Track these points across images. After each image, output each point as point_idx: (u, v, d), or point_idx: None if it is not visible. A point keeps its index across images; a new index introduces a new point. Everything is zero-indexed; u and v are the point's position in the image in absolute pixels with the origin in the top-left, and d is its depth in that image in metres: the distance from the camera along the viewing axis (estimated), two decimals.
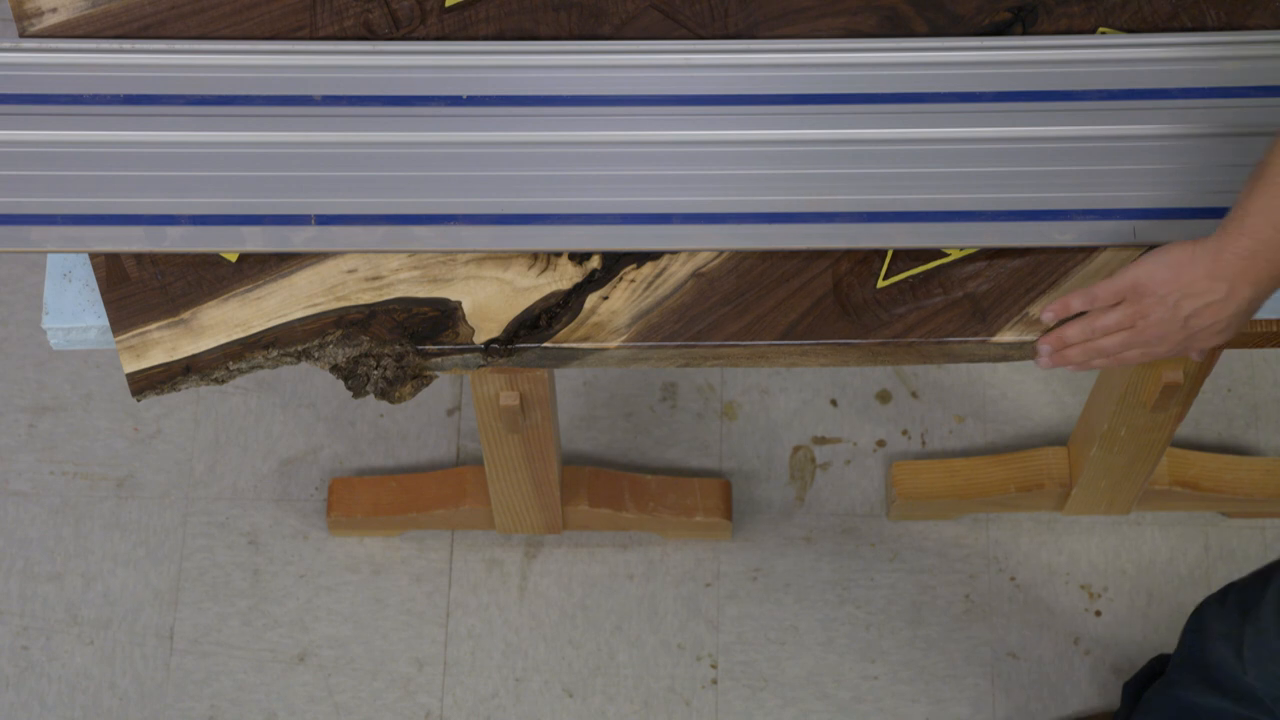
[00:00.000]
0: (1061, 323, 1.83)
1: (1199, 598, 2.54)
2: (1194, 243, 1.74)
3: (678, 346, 1.88)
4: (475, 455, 2.65)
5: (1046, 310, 1.82)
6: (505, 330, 1.87)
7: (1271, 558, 2.47)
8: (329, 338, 1.88)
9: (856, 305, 1.88)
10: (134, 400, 2.10)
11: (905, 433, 2.66)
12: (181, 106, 1.92)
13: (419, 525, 2.59)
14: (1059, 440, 2.63)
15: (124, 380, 2.52)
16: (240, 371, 1.88)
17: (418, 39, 1.96)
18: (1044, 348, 1.83)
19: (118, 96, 1.92)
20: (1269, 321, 1.95)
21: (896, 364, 1.92)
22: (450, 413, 2.68)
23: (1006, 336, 1.87)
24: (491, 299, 1.89)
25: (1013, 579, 2.59)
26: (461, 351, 1.88)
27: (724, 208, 1.89)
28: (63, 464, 2.66)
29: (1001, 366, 2.68)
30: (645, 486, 2.58)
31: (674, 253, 1.90)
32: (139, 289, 1.89)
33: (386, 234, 1.89)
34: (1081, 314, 1.82)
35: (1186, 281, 1.74)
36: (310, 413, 2.68)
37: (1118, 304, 1.78)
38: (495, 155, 1.91)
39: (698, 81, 1.93)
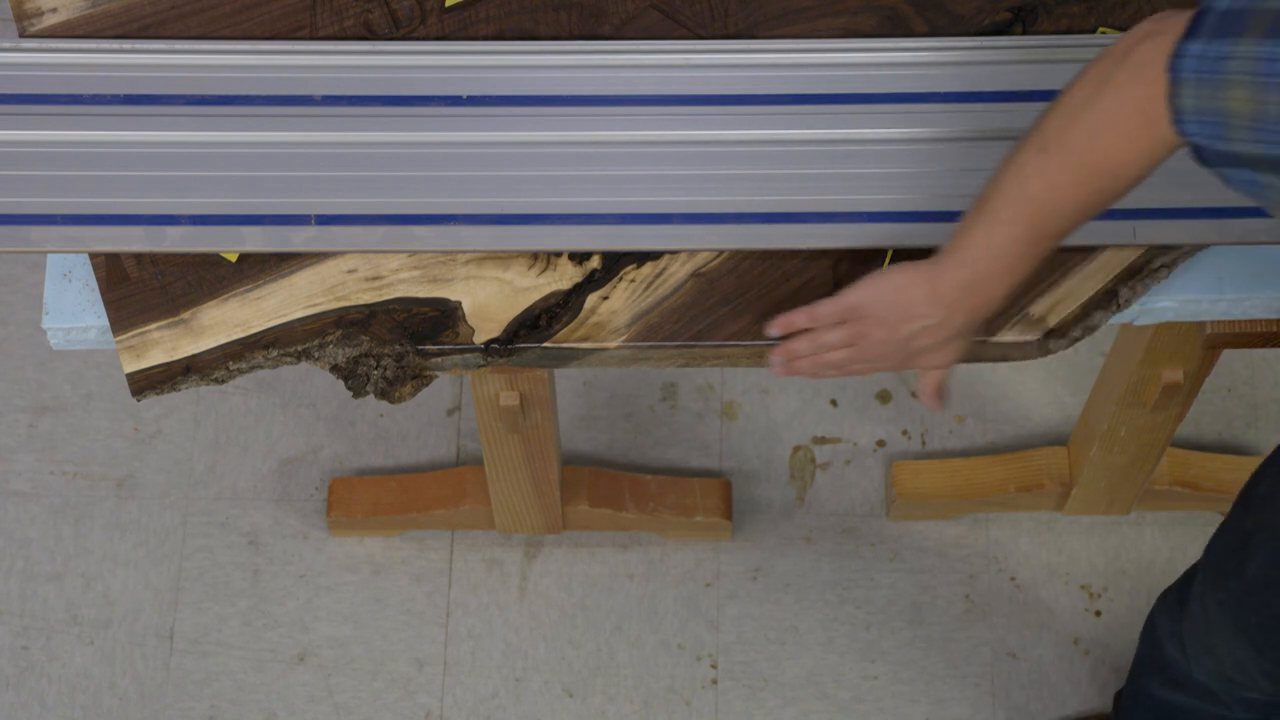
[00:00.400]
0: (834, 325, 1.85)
1: None
2: (915, 267, 1.74)
3: (678, 346, 1.88)
4: (475, 455, 2.65)
5: (771, 326, 1.83)
6: (505, 330, 1.87)
7: None
8: (329, 338, 1.88)
9: None
10: (134, 400, 2.10)
11: (905, 433, 2.66)
12: (181, 106, 1.92)
13: (419, 525, 2.59)
14: (1059, 440, 2.63)
15: (124, 380, 2.52)
16: (240, 371, 1.88)
17: (418, 39, 1.96)
18: (776, 359, 1.84)
19: (118, 96, 1.92)
20: (1269, 321, 1.95)
21: None
22: (450, 413, 2.68)
23: (1006, 336, 1.87)
24: (491, 299, 1.89)
25: (1013, 579, 2.59)
26: (461, 351, 1.88)
27: (724, 208, 1.89)
28: (63, 464, 2.66)
29: (1001, 366, 2.68)
30: (645, 486, 2.58)
31: (674, 253, 1.90)
32: (139, 289, 1.89)
33: (386, 234, 1.89)
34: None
35: (905, 305, 1.75)
36: (310, 413, 2.68)
37: (841, 322, 1.79)
38: (495, 155, 1.91)
39: (698, 81, 1.93)
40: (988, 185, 1.70)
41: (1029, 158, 1.66)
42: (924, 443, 2.66)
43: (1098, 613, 2.56)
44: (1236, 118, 1.48)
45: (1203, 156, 1.53)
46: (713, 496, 2.58)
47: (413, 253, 1.90)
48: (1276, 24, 1.45)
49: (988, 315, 1.76)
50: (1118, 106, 1.58)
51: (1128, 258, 1.88)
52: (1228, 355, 2.68)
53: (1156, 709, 2.22)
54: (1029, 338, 1.88)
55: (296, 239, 1.89)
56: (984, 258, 1.71)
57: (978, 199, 1.71)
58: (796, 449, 2.66)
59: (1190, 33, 1.51)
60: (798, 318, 1.82)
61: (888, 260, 1.89)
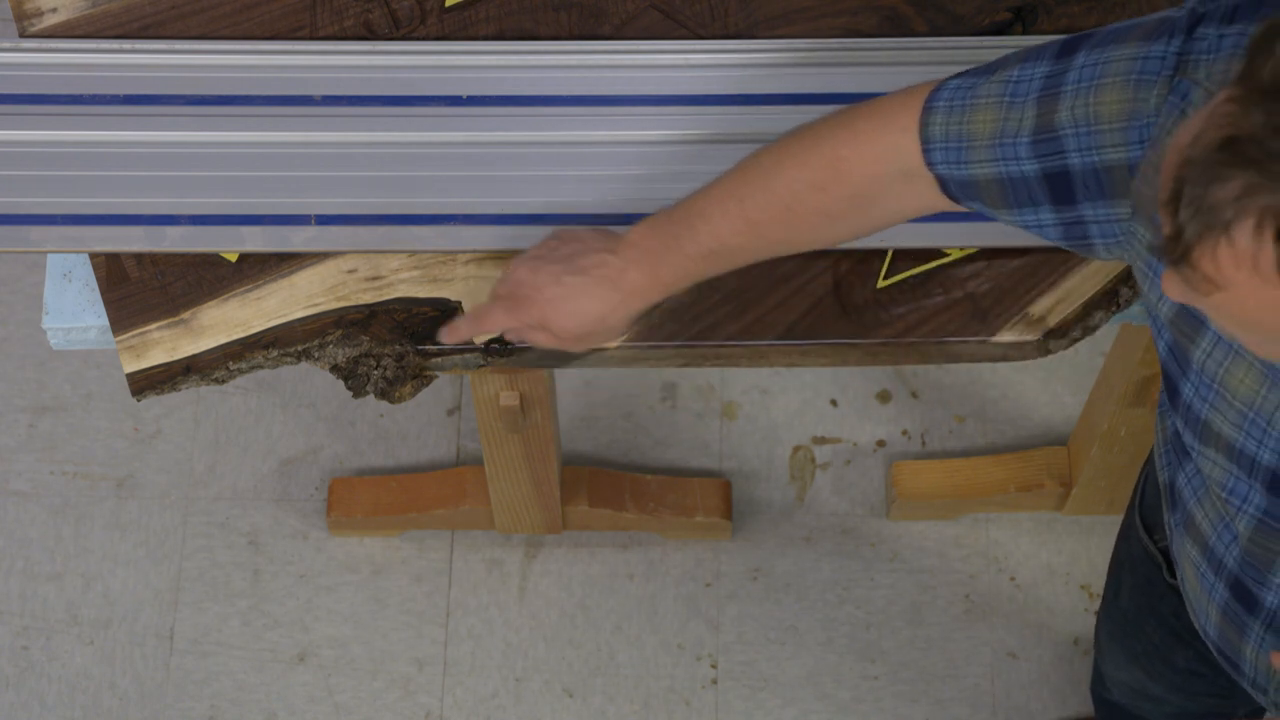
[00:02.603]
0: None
1: None
2: (605, 264, 1.72)
3: (678, 346, 1.88)
4: (475, 455, 2.65)
5: (445, 333, 1.82)
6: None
7: None
8: (329, 338, 1.88)
9: (856, 305, 1.88)
10: (134, 400, 2.10)
11: (905, 433, 2.66)
12: (181, 106, 1.92)
13: (419, 525, 2.59)
14: (1059, 440, 2.63)
15: (124, 380, 2.52)
16: (240, 371, 1.88)
17: (418, 39, 1.96)
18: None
19: (118, 96, 1.92)
20: None
21: (896, 364, 1.92)
22: (450, 413, 2.68)
23: (1006, 336, 1.87)
24: None
25: (1013, 579, 2.59)
26: (461, 351, 1.88)
27: None
28: (63, 464, 2.66)
29: (1001, 366, 2.68)
30: (645, 486, 2.58)
31: None
32: (139, 289, 1.89)
33: (386, 234, 1.89)
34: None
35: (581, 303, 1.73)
36: (310, 413, 2.68)
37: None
38: (495, 155, 1.91)
39: (698, 81, 1.93)
40: (692, 196, 1.68)
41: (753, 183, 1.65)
42: (924, 443, 2.66)
43: (1098, 612, 2.56)
44: (979, 139, 1.49)
45: (948, 190, 1.54)
46: (713, 496, 2.58)
47: (413, 253, 1.90)
48: (1026, 54, 1.48)
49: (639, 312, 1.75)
50: (867, 137, 1.58)
51: None
52: None
53: (1113, 713, 2.23)
54: (1029, 338, 1.88)
55: (296, 239, 1.89)
56: (680, 275, 1.70)
57: (660, 213, 1.70)
58: (796, 449, 2.66)
59: (949, 77, 1.54)
60: (462, 328, 1.80)
61: (887, 260, 1.89)
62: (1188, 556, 1.57)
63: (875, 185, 1.58)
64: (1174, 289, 1.23)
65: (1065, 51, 1.46)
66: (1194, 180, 1.16)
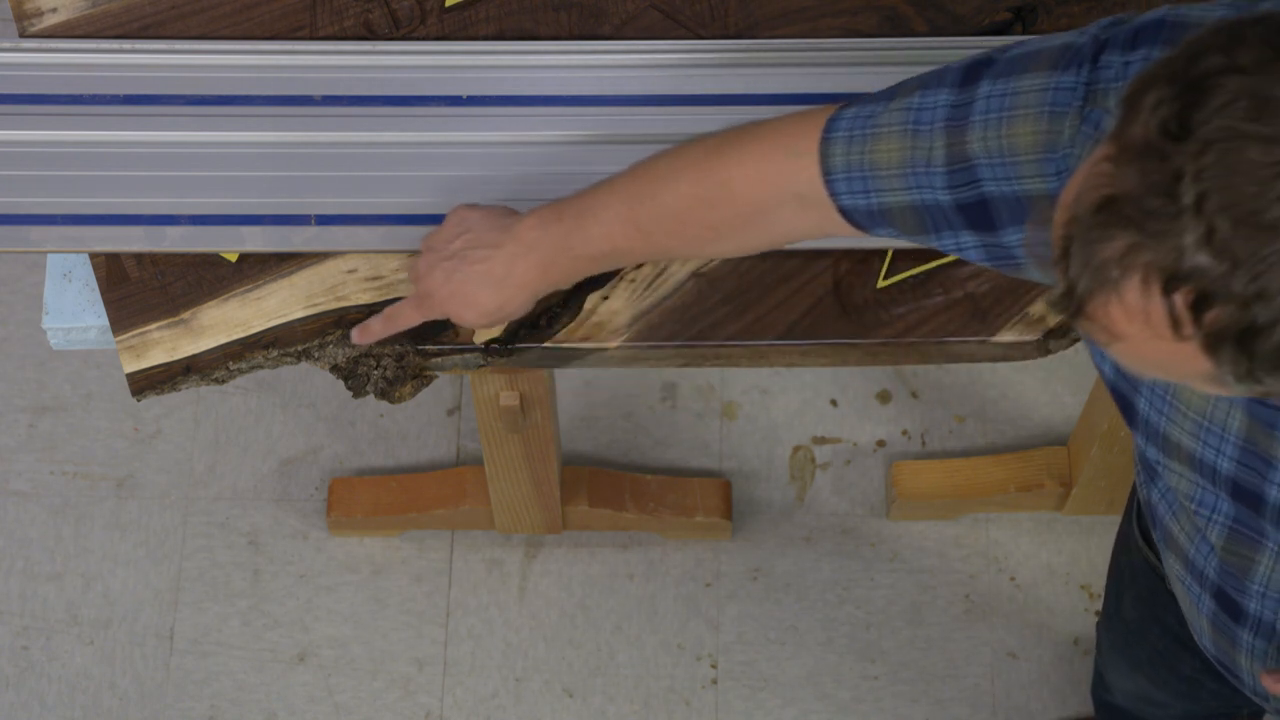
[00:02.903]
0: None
1: None
2: (491, 259, 1.74)
3: (678, 346, 1.88)
4: (475, 455, 2.65)
5: (357, 334, 1.85)
6: (505, 330, 1.87)
7: None
8: (329, 338, 1.88)
9: (856, 305, 1.88)
10: (134, 400, 2.10)
11: (905, 433, 2.66)
12: (181, 106, 1.92)
13: (419, 525, 2.59)
14: (1059, 440, 2.63)
15: (124, 380, 2.52)
16: (240, 371, 1.88)
17: (418, 39, 1.96)
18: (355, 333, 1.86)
19: (118, 96, 1.92)
20: None
21: (896, 364, 1.92)
22: (450, 413, 2.68)
23: (1006, 336, 1.87)
24: None
25: (1013, 579, 2.59)
26: (461, 351, 1.88)
27: None
28: (63, 464, 2.66)
29: (1001, 366, 2.68)
30: (645, 486, 2.58)
31: None
32: (139, 289, 1.89)
33: (386, 234, 1.89)
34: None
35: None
36: (310, 413, 2.68)
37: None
38: (495, 155, 1.91)
39: (698, 81, 1.93)
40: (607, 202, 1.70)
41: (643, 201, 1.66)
42: (924, 443, 2.66)
43: (1098, 613, 2.56)
44: (885, 168, 1.49)
45: (853, 220, 1.54)
46: (713, 496, 2.58)
47: (413, 253, 1.90)
48: (924, 81, 1.48)
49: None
50: (760, 164, 1.59)
51: None
52: None
53: (1112, 715, 2.23)
54: (1029, 338, 1.88)
55: (296, 239, 1.89)
56: (554, 269, 1.72)
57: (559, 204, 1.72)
58: (796, 449, 2.66)
59: (843, 106, 1.54)
60: (375, 326, 1.83)
61: (887, 260, 1.89)
62: (1173, 571, 1.58)
63: (765, 207, 1.59)
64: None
65: (968, 80, 1.45)
66: (1080, 239, 1.16)
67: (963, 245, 1.49)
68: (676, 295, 1.88)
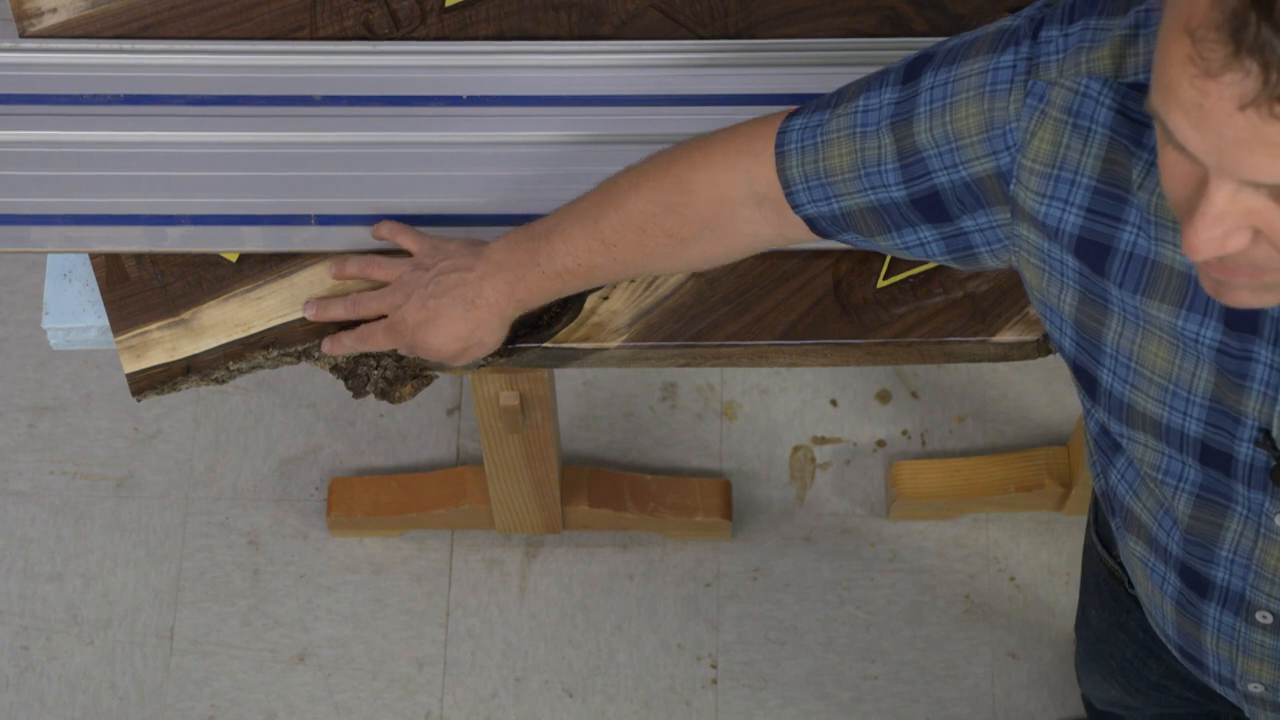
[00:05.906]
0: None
1: None
2: (463, 282, 1.77)
3: (678, 346, 1.88)
4: (475, 455, 2.65)
5: (328, 344, 1.86)
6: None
7: None
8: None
9: (856, 305, 1.88)
10: (134, 400, 2.10)
11: (905, 433, 2.66)
12: (181, 106, 1.92)
13: (419, 525, 2.59)
14: (1059, 440, 2.63)
15: (124, 380, 2.52)
16: (240, 371, 1.88)
17: (418, 39, 1.96)
18: (308, 307, 1.87)
19: (118, 96, 1.92)
20: None
21: (896, 364, 1.92)
22: (450, 413, 2.68)
23: (1006, 336, 1.88)
24: None
25: (1013, 579, 2.59)
26: None
27: None
28: (63, 464, 2.66)
29: (1001, 366, 2.68)
30: (645, 486, 2.58)
31: None
32: (139, 289, 1.89)
33: None
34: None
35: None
36: (310, 413, 2.68)
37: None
38: (495, 155, 1.91)
39: (698, 81, 1.93)
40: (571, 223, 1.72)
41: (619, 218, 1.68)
42: (924, 443, 2.66)
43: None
44: (839, 173, 1.52)
45: (818, 229, 1.57)
46: (713, 496, 2.58)
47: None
48: (868, 83, 1.50)
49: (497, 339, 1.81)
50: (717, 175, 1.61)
51: None
52: None
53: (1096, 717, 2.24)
54: (1029, 338, 1.88)
55: (296, 239, 1.89)
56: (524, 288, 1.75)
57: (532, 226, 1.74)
58: (796, 449, 2.66)
59: (791, 115, 1.56)
60: (335, 308, 1.85)
61: (888, 260, 1.89)
62: (1135, 555, 1.58)
63: (725, 208, 1.62)
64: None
65: (909, 76, 1.47)
66: (1249, 24, 1.09)
67: (923, 240, 1.51)
68: (676, 295, 1.88)
